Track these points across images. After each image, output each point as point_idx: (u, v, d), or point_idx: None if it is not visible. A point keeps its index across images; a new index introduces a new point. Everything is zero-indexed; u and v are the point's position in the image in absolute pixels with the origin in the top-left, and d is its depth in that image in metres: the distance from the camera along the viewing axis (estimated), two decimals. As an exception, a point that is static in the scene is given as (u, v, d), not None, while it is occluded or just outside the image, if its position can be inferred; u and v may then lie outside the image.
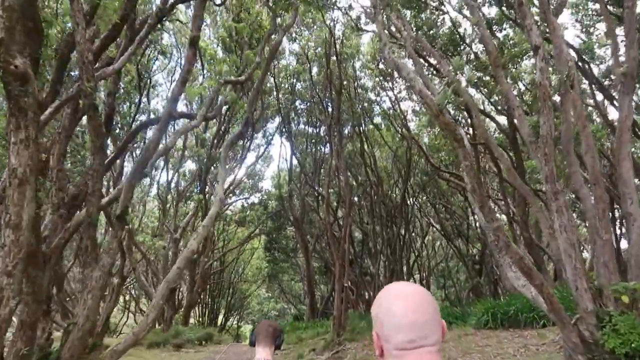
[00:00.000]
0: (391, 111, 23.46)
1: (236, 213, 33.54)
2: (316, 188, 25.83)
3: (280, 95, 26.23)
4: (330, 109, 20.82)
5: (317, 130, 28.90)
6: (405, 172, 23.65)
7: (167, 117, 7.98)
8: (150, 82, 18.61)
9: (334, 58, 19.15)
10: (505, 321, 12.10)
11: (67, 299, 15.54)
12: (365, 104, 23.41)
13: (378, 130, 23.97)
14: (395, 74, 23.38)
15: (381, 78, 22.03)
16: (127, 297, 31.92)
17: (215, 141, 22.39)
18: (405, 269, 29.03)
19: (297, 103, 28.66)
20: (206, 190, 22.94)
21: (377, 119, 24.58)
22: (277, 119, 29.02)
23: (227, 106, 22.31)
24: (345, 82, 19.90)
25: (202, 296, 33.51)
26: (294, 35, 23.69)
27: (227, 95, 12.40)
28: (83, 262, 6.47)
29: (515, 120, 10.82)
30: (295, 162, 28.72)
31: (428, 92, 8.51)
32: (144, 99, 17.90)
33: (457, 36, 17.30)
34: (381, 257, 26.65)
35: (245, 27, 17.15)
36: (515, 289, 16.64)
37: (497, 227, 7.87)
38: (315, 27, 21.87)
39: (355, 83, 22.52)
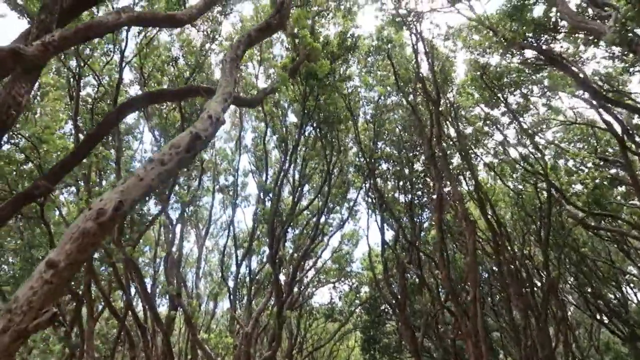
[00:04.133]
0: (510, 142, 18.10)
1: (323, 305, 28.20)
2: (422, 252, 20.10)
3: (361, 154, 22.06)
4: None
5: (411, 195, 23.91)
6: (543, 223, 17.32)
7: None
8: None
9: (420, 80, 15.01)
10: None
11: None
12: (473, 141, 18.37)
13: (492, 170, 18.55)
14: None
15: (491, 96, 17.10)
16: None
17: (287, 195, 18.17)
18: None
19: (382, 164, 24.27)
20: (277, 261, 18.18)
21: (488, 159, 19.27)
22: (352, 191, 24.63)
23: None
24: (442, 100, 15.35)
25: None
26: (371, 79, 20.10)
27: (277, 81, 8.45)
28: None
29: None
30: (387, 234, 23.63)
31: None
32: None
33: None
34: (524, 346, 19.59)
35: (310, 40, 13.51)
36: None
37: None
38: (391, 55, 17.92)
39: (453, 111, 17.79)
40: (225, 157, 22.15)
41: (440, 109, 13.96)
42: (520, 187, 20.69)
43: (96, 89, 15.05)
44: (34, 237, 12.59)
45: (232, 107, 23.67)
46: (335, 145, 18.44)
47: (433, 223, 25.17)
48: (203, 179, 19.43)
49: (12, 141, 13.17)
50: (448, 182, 14.76)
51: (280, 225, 17.35)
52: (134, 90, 16.22)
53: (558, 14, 12.17)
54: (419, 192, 24.57)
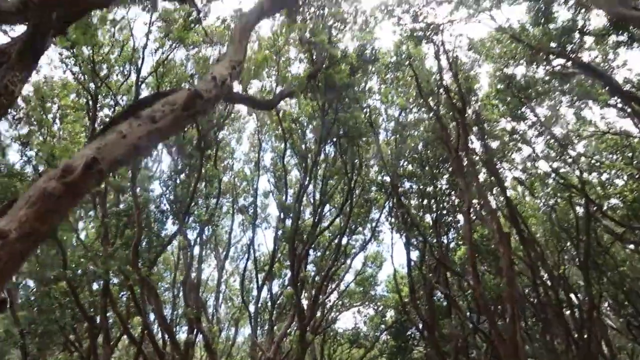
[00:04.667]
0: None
1: (348, 330, 27.20)
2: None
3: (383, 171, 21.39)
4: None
5: (436, 214, 22.97)
6: (580, 240, 16.19)
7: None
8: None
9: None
10: None
11: None
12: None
13: (521, 184, 17.67)
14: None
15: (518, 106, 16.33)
16: None
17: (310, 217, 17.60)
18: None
19: (405, 183, 23.49)
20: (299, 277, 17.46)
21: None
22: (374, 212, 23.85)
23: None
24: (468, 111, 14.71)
25: None
26: (391, 95, 19.56)
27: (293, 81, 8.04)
28: None
29: None
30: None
31: None
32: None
33: None
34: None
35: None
36: None
37: None
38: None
39: (478, 124, 17.05)
40: (245, 178, 21.80)
41: (465, 118, 13.35)
42: (552, 202, 19.71)
43: (113, 109, 14.95)
44: (48, 258, 12.33)
45: (251, 127, 23.34)
46: (356, 161, 17.86)
47: (460, 242, 24.22)
48: (222, 201, 19.07)
49: (30, 162, 13.06)
50: (477, 194, 14.00)
51: (301, 245, 16.74)
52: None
53: (588, 14, 11.57)
54: (444, 211, 23.69)
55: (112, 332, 18.00)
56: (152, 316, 20.94)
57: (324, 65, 11.89)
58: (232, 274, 26.30)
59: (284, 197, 17.79)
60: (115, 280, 18.04)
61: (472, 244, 13.38)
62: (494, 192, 19.91)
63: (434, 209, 22.81)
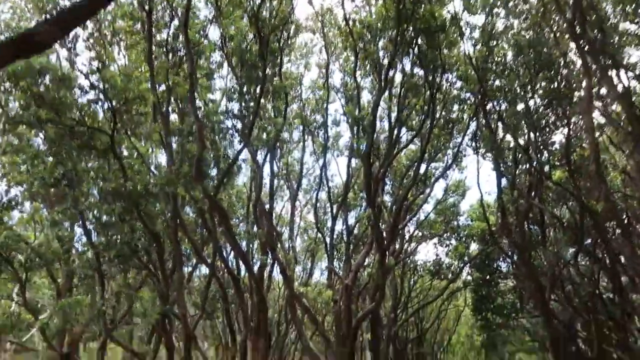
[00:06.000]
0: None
1: (428, 262, 25.92)
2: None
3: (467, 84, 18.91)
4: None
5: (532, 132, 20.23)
6: None
7: None
8: None
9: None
10: None
11: None
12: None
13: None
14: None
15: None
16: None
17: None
18: None
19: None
20: (378, 201, 16.14)
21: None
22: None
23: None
24: None
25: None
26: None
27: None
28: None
29: None
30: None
31: None
32: None
33: None
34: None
35: None
36: None
37: None
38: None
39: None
40: (314, 99, 20.44)
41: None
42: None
43: (168, 27, 13.94)
44: (109, 172, 11.94)
45: (317, 49, 21.52)
46: (437, 72, 15.67)
47: (557, 163, 21.60)
48: (291, 119, 18.09)
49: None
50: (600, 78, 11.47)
51: (377, 162, 15.27)
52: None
53: None
54: (538, 132, 21.01)
55: (189, 261, 17.98)
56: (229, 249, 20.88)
57: None
58: (306, 204, 25.58)
59: (356, 112, 16.20)
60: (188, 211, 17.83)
61: (593, 131, 11.13)
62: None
63: (526, 129, 20.31)
